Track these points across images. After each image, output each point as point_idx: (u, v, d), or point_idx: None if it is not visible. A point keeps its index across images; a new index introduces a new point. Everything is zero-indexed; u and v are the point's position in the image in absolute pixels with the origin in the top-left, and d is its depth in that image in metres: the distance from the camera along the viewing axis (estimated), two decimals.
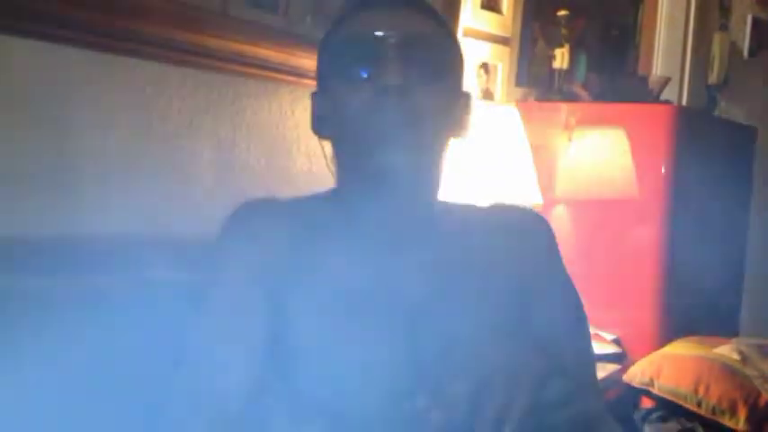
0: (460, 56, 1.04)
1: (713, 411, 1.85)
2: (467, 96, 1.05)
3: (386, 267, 0.99)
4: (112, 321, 1.07)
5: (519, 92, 2.42)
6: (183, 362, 0.95)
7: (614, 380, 1.96)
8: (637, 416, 1.98)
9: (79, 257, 1.16)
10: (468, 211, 1.09)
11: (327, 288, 0.99)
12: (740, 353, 1.94)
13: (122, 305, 1.10)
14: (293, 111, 1.66)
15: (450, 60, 1.01)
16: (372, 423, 0.94)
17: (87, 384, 1.01)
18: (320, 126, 1.04)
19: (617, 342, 2.14)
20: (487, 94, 2.28)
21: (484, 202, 1.13)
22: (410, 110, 0.94)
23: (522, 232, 1.08)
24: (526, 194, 1.91)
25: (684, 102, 3.22)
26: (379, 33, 0.96)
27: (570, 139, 2.29)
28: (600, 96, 2.39)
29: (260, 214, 1.03)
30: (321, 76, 1.05)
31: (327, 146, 1.04)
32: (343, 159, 1.02)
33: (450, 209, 1.07)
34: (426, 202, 1.03)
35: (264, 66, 1.57)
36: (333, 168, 1.05)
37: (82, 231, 1.27)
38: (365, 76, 0.96)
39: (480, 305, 1.01)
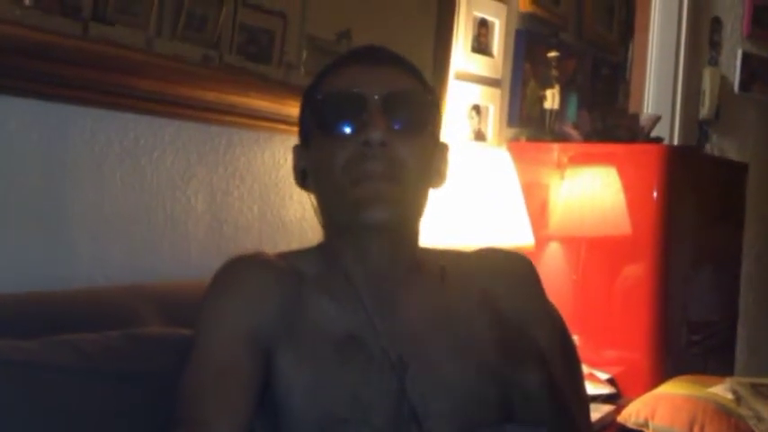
0: (438, 109, 1.08)
1: None
2: (443, 147, 1.09)
3: (374, 319, 1.01)
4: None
5: (510, 132, 2.45)
6: (175, 419, 0.95)
7: (609, 421, 1.96)
8: None
9: (72, 312, 1.17)
10: (452, 257, 1.11)
11: (317, 342, 1.00)
12: (734, 392, 1.94)
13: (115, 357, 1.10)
14: (286, 159, 1.67)
15: (428, 114, 1.05)
16: None
17: None
18: (303, 179, 1.07)
19: (611, 382, 2.14)
20: (479, 136, 2.30)
21: (469, 247, 1.15)
22: (391, 162, 0.97)
23: (507, 275, 1.10)
24: (518, 235, 1.93)
25: (676, 137, 3.25)
26: (360, 90, 0.99)
27: (563, 178, 2.31)
28: (591, 136, 2.41)
29: (249, 269, 1.05)
30: (303, 129, 1.07)
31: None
32: (326, 211, 1.05)
33: (433, 256, 1.09)
34: (410, 251, 1.05)
35: (257, 115, 1.59)
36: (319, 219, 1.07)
37: (75, 285, 1.27)
38: (347, 131, 0.98)
39: (469, 352, 1.02)
